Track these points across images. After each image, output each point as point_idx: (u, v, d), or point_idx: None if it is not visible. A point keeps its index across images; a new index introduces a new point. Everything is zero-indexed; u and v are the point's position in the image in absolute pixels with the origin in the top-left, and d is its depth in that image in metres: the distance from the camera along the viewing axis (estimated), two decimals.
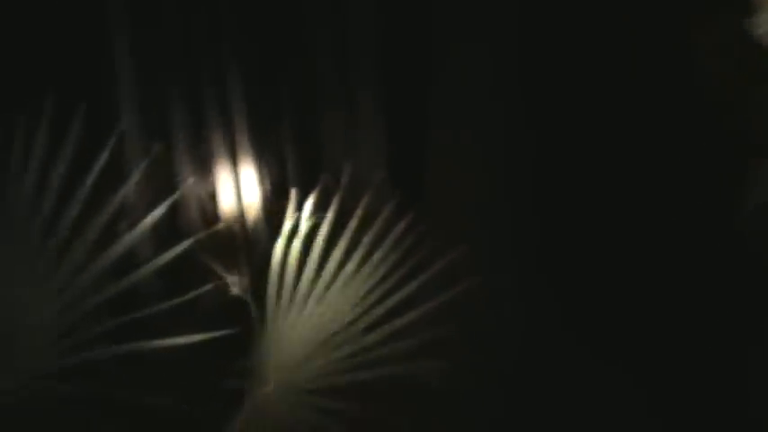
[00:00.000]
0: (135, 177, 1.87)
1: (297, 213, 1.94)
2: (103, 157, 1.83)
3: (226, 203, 2.06)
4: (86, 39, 2.01)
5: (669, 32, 2.23)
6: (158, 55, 2.05)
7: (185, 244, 1.84)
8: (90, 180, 1.82)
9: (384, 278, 1.99)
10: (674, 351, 2.18)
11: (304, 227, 1.93)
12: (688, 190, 2.25)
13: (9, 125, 1.81)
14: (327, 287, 1.97)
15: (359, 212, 1.98)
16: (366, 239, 1.98)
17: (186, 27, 2.06)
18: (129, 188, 1.87)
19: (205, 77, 2.07)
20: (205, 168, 2.07)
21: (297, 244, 1.92)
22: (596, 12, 2.22)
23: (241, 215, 2.07)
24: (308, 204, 1.95)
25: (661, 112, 2.25)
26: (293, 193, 1.95)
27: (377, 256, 1.99)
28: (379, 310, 1.98)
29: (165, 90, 2.06)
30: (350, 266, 1.97)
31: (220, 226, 1.90)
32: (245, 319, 1.88)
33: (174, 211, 1.95)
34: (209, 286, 1.85)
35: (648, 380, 2.15)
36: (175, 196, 1.89)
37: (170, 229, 1.94)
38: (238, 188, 2.08)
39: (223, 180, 2.07)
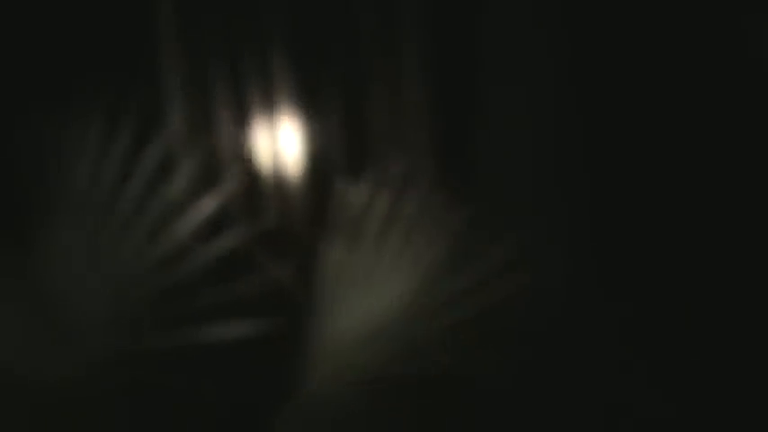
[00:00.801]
0: (187, 173, 1.89)
1: (346, 204, 1.95)
2: (156, 152, 1.85)
3: (273, 193, 2.07)
4: (132, 31, 2.04)
5: (730, 22, 2.20)
6: (205, 51, 2.07)
7: (237, 234, 1.86)
8: (146, 169, 1.84)
9: (435, 273, 1.99)
10: (728, 355, 2.15)
11: (355, 218, 1.94)
12: (745, 184, 2.21)
13: (64, 120, 1.85)
14: (377, 281, 1.97)
15: (410, 204, 1.98)
16: (416, 231, 1.99)
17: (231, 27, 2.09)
18: (182, 183, 1.89)
19: (251, 71, 2.09)
20: (251, 159, 2.08)
21: (347, 235, 1.93)
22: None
23: (289, 203, 2.08)
24: (359, 194, 1.96)
25: (720, 104, 2.22)
26: (344, 184, 1.96)
27: (427, 248, 1.99)
28: (431, 305, 1.99)
29: (211, 88, 2.08)
30: (399, 261, 1.98)
31: (271, 217, 1.91)
32: (293, 312, 1.89)
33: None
34: (258, 277, 1.86)
35: (704, 385, 2.12)
36: (227, 188, 1.91)
37: (217, 219, 1.95)
38: (285, 178, 2.09)
39: (270, 170, 2.08)
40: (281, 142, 2.09)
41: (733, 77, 2.23)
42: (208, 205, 1.88)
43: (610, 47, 2.22)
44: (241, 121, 2.08)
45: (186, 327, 1.84)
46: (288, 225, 2.04)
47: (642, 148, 2.24)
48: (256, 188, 2.06)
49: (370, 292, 1.97)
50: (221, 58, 2.07)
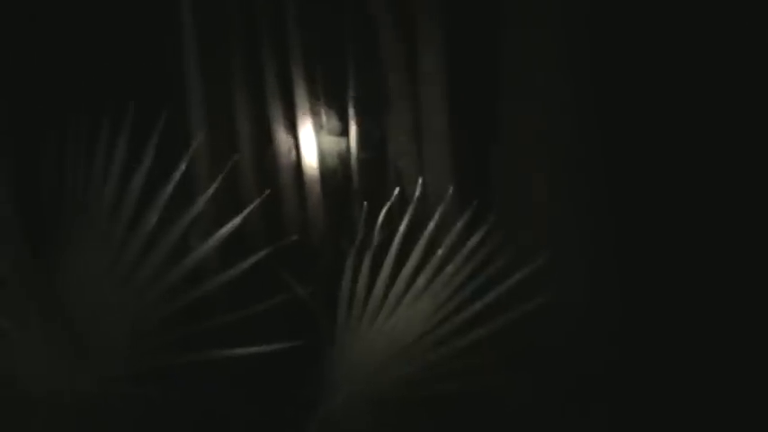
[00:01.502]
0: (210, 190, 1.89)
1: (369, 225, 1.95)
2: (181, 168, 1.86)
3: (295, 212, 2.08)
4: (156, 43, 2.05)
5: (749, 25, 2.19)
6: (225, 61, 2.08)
7: (260, 254, 1.86)
8: (169, 189, 1.85)
9: (457, 291, 1.99)
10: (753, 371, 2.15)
11: (376, 238, 1.94)
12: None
13: (86, 131, 1.85)
14: (399, 299, 1.97)
15: (432, 224, 1.98)
16: (439, 251, 1.99)
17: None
18: (205, 200, 1.90)
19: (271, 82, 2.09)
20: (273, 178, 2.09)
21: (369, 255, 1.93)
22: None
23: (311, 222, 2.09)
24: (381, 216, 1.96)
25: (739, 108, 2.21)
26: (365, 206, 1.96)
27: (450, 268, 1.99)
28: (453, 323, 1.99)
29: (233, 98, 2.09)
30: (421, 279, 1.98)
31: (292, 238, 1.91)
32: (316, 330, 1.89)
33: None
34: (281, 296, 1.86)
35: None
36: (252, 207, 1.91)
37: (238, 238, 1.96)
38: (308, 196, 2.10)
39: (291, 188, 2.09)
40: (303, 160, 2.09)
41: (750, 88, 2.23)
42: (231, 223, 1.89)
43: (628, 61, 2.22)
44: (263, 139, 2.09)
45: (208, 344, 1.85)
46: (311, 243, 2.05)
47: (663, 163, 2.23)
48: (279, 206, 2.07)
49: (394, 313, 1.98)
50: (243, 73, 2.07)
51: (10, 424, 1.77)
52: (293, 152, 2.09)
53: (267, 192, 1.92)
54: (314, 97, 2.09)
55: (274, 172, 2.07)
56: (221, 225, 1.88)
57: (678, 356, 2.15)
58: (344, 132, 2.14)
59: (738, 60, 2.23)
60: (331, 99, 2.13)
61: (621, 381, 2.12)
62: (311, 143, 2.09)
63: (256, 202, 1.90)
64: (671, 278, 2.22)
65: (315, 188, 2.08)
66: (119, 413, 1.81)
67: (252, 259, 1.85)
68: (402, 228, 1.96)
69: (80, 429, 1.80)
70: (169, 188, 1.86)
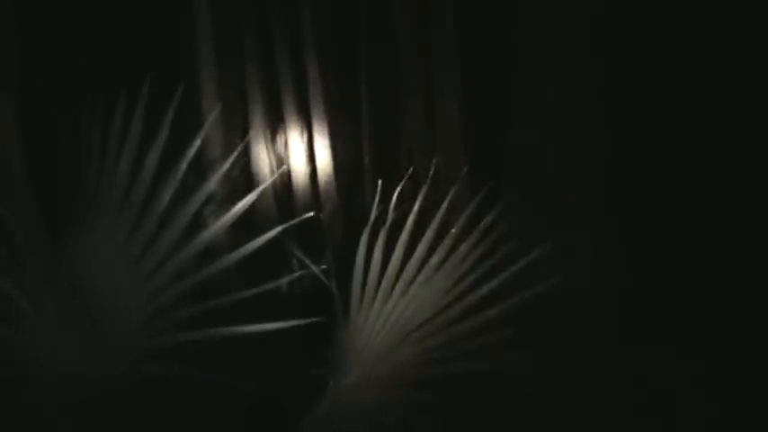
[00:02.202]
0: (223, 168, 1.89)
1: (382, 205, 1.95)
2: (195, 146, 1.86)
3: (307, 192, 2.08)
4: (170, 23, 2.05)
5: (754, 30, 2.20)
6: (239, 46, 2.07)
7: (273, 232, 1.86)
8: (182, 167, 1.85)
9: (469, 272, 2.00)
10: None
11: (390, 218, 1.95)
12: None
13: (100, 111, 1.85)
14: (413, 278, 1.98)
15: (444, 205, 1.99)
16: (451, 232, 1.99)
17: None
18: (218, 179, 1.90)
19: (284, 64, 2.09)
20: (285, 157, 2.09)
21: (382, 235, 1.94)
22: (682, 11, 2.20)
23: (325, 202, 2.09)
24: (394, 196, 1.97)
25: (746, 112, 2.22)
26: (379, 185, 1.96)
27: (462, 248, 2.00)
28: (465, 304, 1.99)
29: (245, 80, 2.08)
30: (434, 259, 1.98)
31: (307, 216, 1.91)
32: (330, 309, 1.90)
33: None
34: (294, 275, 1.86)
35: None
36: (263, 187, 1.92)
37: (250, 218, 1.96)
38: (321, 176, 2.10)
39: (303, 168, 2.09)
40: (314, 139, 2.09)
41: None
42: (244, 202, 1.89)
43: (638, 49, 2.22)
44: (276, 120, 2.09)
45: (222, 323, 1.85)
46: (323, 223, 2.05)
47: (669, 154, 2.24)
48: (292, 186, 2.07)
49: (407, 290, 1.98)
50: (255, 58, 2.07)
51: (30, 405, 1.77)
52: (305, 131, 2.09)
53: (282, 169, 1.93)
54: (327, 77, 2.09)
55: (286, 151, 2.07)
56: (234, 204, 1.89)
57: (689, 343, 2.16)
58: (358, 113, 2.14)
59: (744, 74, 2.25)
60: (344, 80, 2.13)
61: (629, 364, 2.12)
62: (323, 122, 2.09)
63: (269, 180, 1.90)
64: (677, 265, 2.23)
65: (327, 168, 2.08)
66: (136, 393, 1.80)
67: (264, 237, 1.86)
68: (415, 208, 1.97)
69: (99, 410, 1.80)
70: (182, 166, 1.87)
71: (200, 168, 1.94)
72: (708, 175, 2.24)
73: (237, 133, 2.04)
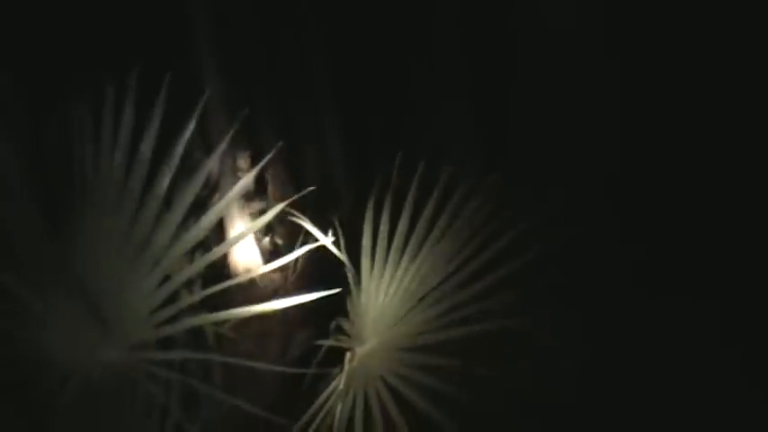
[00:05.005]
0: (220, 148, 1.86)
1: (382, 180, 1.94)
2: (190, 126, 1.82)
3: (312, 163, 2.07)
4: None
5: None
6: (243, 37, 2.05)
7: (277, 209, 1.84)
8: (179, 150, 1.81)
9: (475, 234, 2.00)
10: None
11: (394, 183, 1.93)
12: None
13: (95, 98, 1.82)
14: (421, 244, 1.97)
15: (445, 173, 1.99)
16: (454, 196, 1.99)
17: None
18: (215, 160, 1.87)
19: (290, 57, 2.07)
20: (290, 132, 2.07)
21: (387, 208, 1.93)
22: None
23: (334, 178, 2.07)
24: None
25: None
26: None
27: (466, 212, 1.99)
28: (472, 266, 1.99)
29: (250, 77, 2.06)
30: (441, 223, 1.98)
31: (310, 189, 1.89)
32: (341, 280, 1.88)
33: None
34: (304, 250, 1.84)
35: None
36: (268, 158, 1.88)
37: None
38: (324, 153, 2.08)
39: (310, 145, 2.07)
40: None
41: None
42: (244, 184, 1.86)
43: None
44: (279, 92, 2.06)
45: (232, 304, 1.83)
46: (332, 196, 2.04)
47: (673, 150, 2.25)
48: (298, 156, 2.05)
49: (416, 255, 1.97)
50: (260, 48, 2.04)
51: (42, 398, 1.75)
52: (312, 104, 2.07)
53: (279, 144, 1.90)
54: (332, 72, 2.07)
55: (292, 124, 2.04)
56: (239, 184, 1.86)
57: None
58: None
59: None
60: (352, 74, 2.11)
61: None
62: (329, 94, 2.07)
63: (272, 151, 1.86)
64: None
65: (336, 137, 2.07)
66: (147, 382, 1.78)
67: (273, 211, 1.84)
68: (416, 178, 1.96)
69: (110, 401, 1.78)
70: (179, 149, 1.83)
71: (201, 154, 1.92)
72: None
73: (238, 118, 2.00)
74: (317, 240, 1.86)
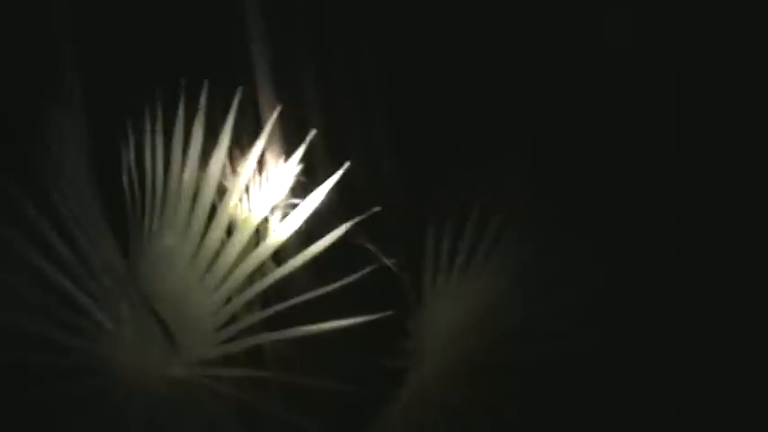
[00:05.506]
0: (330, 183, 1.89)
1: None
2: (258, 147, 1.86)
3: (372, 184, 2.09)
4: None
5: None
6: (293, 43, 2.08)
7: (341, 230, 1.87)
8: (248, 171, 1.85)
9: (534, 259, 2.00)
10: None
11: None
12: None
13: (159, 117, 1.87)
14: (482, 265, 1.98)
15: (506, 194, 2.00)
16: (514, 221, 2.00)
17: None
18: (281, 182, 1.91)
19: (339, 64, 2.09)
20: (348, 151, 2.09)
21: (450, 224, 1.95)
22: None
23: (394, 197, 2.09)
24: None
25: None
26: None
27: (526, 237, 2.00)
28: (532, 289, 1.99)
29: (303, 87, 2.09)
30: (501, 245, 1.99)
31: (376, 210, 1.92)
32: (402, 301, 1.90)
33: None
34: (368, 269, 1.87)
35: None
36: (327, 186, 1.92)
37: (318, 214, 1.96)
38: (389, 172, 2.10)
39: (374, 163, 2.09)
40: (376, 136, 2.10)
41: None
42: (312, 201, 1.91)
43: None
44: (336, 114, 2.08)
45: (295, 322, 1.86)
46: (394, 217, 2.05)
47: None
48: (360, 182, 2.07)
49: (477, 277, 1.99)
50: (310, 58, 2.07)
51: (108, 413, 1.79)
52: (368, 126, 2.09)
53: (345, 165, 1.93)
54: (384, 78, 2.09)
55: (349, 145, 2.07)
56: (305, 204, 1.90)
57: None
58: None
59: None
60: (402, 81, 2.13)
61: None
62: (386, 116, 2.09)
63: (334, 176, 1.89)
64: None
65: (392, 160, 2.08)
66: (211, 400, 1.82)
67: (334, 234, 1.87)
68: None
69: (174, 417, 1.81)
70: (248, 170, 1.88)
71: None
72: None
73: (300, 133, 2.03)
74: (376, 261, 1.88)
